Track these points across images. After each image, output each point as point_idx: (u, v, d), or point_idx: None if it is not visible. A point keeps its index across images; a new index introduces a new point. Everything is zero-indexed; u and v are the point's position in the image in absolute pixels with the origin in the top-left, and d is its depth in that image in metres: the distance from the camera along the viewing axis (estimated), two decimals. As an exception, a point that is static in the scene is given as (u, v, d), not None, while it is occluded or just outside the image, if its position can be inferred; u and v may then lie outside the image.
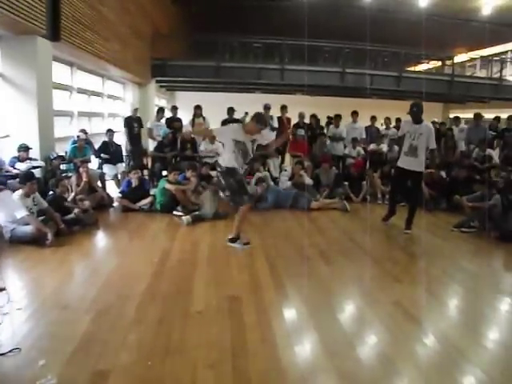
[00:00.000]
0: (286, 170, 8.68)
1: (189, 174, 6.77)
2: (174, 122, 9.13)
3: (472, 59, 19.74)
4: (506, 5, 14.09)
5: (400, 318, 3.32)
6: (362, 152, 8.87)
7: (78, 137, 7.46)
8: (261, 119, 4.83)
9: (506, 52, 18.05)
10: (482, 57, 18.62)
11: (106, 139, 8.03)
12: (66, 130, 8.37)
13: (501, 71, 15.75)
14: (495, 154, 8.49)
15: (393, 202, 6.21)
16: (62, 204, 5.55)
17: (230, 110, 9.27)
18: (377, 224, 6.21)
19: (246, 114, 13.29)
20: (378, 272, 4.37)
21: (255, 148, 4.91)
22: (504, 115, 9.95)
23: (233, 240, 4.90)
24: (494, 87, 14.85)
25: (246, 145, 4.74)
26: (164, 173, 7.81)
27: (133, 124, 9.06)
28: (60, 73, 8.04)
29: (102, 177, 7.22)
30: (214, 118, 9.18)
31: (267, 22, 15.89)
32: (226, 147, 4.83)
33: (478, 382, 2.49)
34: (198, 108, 9.19)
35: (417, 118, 5.65)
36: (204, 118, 9.14)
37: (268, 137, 5.35)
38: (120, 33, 9.72)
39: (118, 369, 2.52)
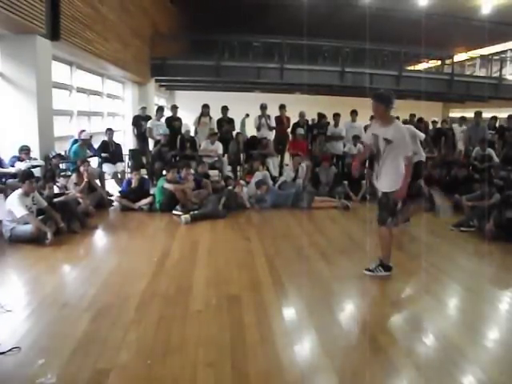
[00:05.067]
0: (287, 165, 8.71)
1: (184, 172, 6.76)
2: (173, 121, 9.12)
3: (472, 58, 19.74)
4: (505, 4, 14.08)
5: (399, 316, 3.33)
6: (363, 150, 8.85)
7: (80, 136, 7.41)
8: None
9: (506, 51, 18.04)
10: (481, 56, 18.63)
11: (106, 138, 8.03)
12: (66, 129, 8.37)
13: (500, 70, 15.75)
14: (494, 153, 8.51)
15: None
16: (74, 209, 5.51)
17: (224, 109, 9.26)
18: (376, 223, 6.19)
19: (247, 115, 13.30)
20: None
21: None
22: (503, 114, 9.95)
23: None
24: (493, 86, 14.87)
25: None
26: (164, 172, 7.80)
27: (141, 122, 9.09)
28: (59, 72, 8.04)
29: (101, 175, 7.21)
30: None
31: (267, 21, 15.88)
32: None
33: (478, 381, 2.49)
34: (205, 107, 9.15)
35: None
36: (211, 118, 9.12)
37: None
38: (120, 32, 9.71)
39: (117, 367, 2.52)
